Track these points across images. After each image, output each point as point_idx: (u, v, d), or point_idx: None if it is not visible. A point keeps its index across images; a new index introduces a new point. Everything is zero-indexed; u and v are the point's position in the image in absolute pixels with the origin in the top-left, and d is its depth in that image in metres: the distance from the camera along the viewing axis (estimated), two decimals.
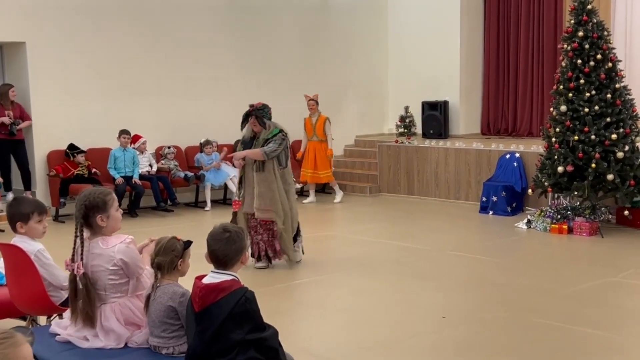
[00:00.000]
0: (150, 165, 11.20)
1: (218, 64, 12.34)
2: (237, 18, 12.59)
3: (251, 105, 7.44)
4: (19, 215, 4.28)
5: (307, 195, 12.18)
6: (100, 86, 11.09)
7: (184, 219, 10.64)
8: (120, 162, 10.69)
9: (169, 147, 11.46)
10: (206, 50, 12.20)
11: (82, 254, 3.72)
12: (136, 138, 11.09)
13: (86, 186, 10.08)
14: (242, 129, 7.49)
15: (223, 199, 11.91)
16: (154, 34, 11.63)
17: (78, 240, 3.73)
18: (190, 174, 11.37)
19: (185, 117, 11.94)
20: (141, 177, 10.85)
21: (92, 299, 3.70)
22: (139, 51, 11.47)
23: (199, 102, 12.10)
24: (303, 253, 7.70)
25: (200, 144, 11.72)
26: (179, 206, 11.30)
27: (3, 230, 8.92)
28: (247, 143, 7.43)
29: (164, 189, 11.02)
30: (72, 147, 10.53)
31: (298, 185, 8.16)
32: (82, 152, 10.56)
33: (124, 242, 3.76)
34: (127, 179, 10.63)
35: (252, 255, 7.32)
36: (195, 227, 9.77)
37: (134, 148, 10.98)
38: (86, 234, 3.79)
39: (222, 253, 3.45)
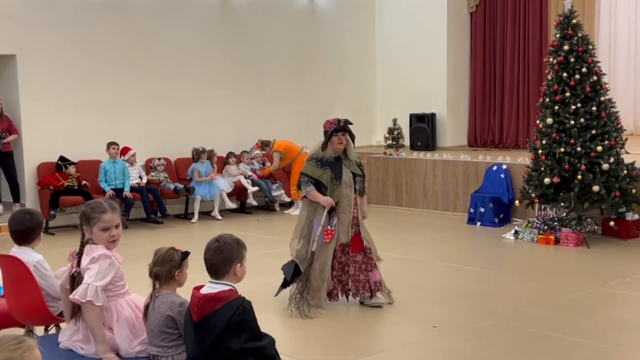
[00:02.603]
0: (140, 177, 11.22)
1: (207, 76, 12.42)
2: (227, 30, 12.68)
3: (338, 120, 6.45)
4: (40, 226, 4.45)
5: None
6: (90, 99, 11.13)
7: (173, 230, 10.67)
8: (111, 174, 10.72)
9: (158, 159, 11.50)
10: (195, 62, 12.28)
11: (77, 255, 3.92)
12: (126, 150, 11.12)
13: (76, 198, 10.26)
14: (324, 149, 6.38)
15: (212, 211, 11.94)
16: (144, 46, 11.70)
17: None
18: (180, 185, 11.41)
19: (174, 129, 12.00)
20: (131, 189, 10.86)
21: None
22: (128, 64, 11.52)
23: (188, 114, 12.16)
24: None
25: (198, 151, 11.69)
26: (168, 218, 11.33)
27: None
28: (334, 164, 6.37)
29: (154, 200, 11.05)
30: (63, 159, 10.56)
31: None
32: (73, 163, 10.59)
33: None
34: (118, 191, 10.65)
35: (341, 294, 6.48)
36: (185, 239, 9.82)
37: (123, 160, 11.02)
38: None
39: (210, 262, 3.54)
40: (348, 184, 6.34)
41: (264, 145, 12.28)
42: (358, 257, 6.43)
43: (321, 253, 6.30)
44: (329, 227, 6.27)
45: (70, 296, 3.76)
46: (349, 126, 6.44)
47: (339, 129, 6.36)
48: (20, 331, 4.74)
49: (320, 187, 6.32)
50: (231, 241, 3.56)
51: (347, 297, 6.56)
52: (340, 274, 6.46)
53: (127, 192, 10.68)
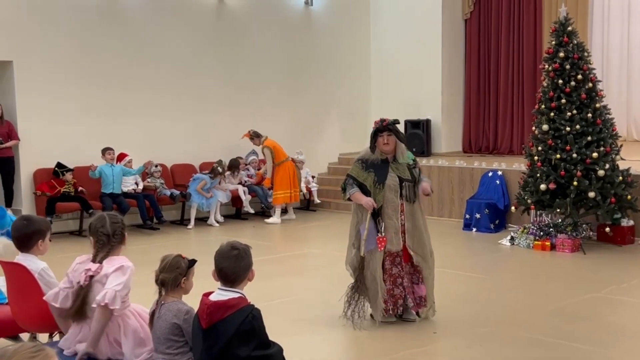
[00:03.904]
0: (136, 184, 11.21)
1: (203, 83, 12.43)
2: (222, 37, 12.70)
3: (382, 120, 6.05)
4: (39, 233, 4.37)
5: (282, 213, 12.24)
6: (86, 105, 11.12)
7: (169, 236, 10.66)
8: (109, 178, 10.69)
9: (155, 166, 11.48)
10: (191, 69, 12.29)
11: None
12: (122, 156, 11.10)
13: (73, 205, 10.26)
14: (373, 151, 6.06)
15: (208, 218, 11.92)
16: (140, 52, 11.70)
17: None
18: (176, 192, 11.40)
19: (171, 136, 12.00)
20: (127, 195, 10.87)
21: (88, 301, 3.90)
22: (125, 70, 11.53)
23: (184, 120, 12.17)
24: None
25: (217, 171, 11.63)
26: (164, 224, 11.31)
27: None
28: (380, 167, 5.99)
29: (150, 207, 11.04)
30: (60, 165, 10.54)
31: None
32: (70, 170, 10.57)
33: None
34: (114, 196, 10.65)
35: (387, 309, 6.07)
36: (181, 245, 9.81)
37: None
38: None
39: (230, 270, 3.51)
40: (393, 188, 5.92)
41: (255, 135, 12.08)
42: (407, 267, 6.08)
43: (371, 260, 5.97)
44: (379, 235, 5.90)
45: (98, 298, 3.77)
46: (397, 126, 6.05)
47: (381, 129, 5.98)
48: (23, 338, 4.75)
49: (365, 191, 5.98)
50: (245, 247, 3.59)
51: (401, 314, 6.15)
52: (392, 287, 6.03)
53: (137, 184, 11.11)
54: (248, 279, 3.57)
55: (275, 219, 11.85)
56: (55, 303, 3.99)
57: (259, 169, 12.58)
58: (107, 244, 3.94)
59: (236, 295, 3.48)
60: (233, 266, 3.50)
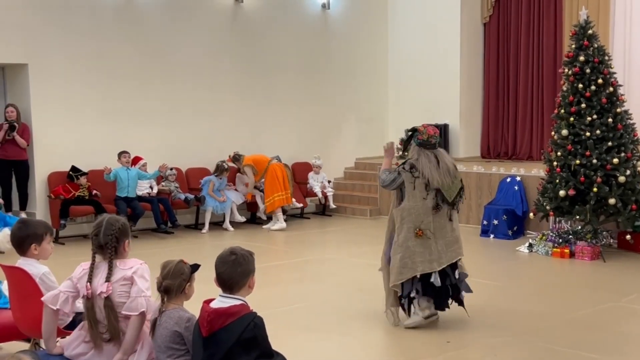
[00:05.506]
0: (151, 187, 11.17)
1: (218, 87, 12.37)
2: (239, 41, 12.63)
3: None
4: (34, 237, 4.26)
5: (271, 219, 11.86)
6: (101, 108, 11.10)
7: (183, 241, 10.59)
8: (124, 182, 10.64)
9: (170, 169, 11.42)
10: (207, 73, 12.23)
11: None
12: (136, 160, 11.06)
13: (87, 208, 10.21)
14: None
15: (223, 222, 11.84)
16: (156, 57, 11.66)
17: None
18: (190, 196, 11.34)
19: (186, 139, 11.94)
20: (142, 198, 10.82)
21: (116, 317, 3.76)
22: (140, 74, 11.49)
23: (199, 124, 12.11)
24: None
25: (222, 168, 11.57)
26: (179, 228, 11.23)
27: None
28: None
29: (165, 210, 10.98)
30: (74, 169, 10.50)
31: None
32: (84, 174, 10.53)
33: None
34: (129, 200, 10.60)
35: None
36: (195, 250, 9.75)
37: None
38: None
39: (228, 276, 3.43)
40: None
41: (235, 159, 11.78)
42: None
43: None
44: None
45: (132, 305, 3.69)
46: (414, 133, 6.53)
47: None
48: (26, 344, 4.68)
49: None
50: (246, 253, 3.49)
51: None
52: None
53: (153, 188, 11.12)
54: (249, 286, 3.46)
55: (280, 224, 11.64)
56: (54, 305, 3.84)
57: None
58: (102, 253, 3.82)
59: (238, 302, 3.38)
60: (230, 272, 3.41)
